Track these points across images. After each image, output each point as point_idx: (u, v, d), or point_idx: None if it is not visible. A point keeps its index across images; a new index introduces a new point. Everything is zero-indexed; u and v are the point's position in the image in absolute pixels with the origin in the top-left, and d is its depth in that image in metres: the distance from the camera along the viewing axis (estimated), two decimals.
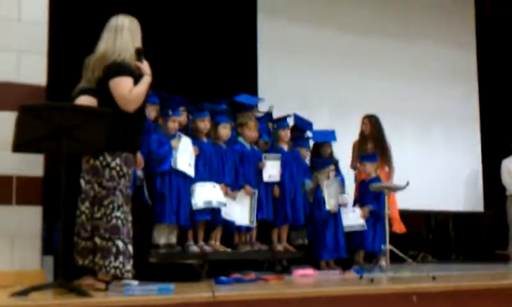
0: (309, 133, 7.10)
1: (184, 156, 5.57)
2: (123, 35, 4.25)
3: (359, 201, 7.27)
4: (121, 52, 4.22)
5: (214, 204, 5.66)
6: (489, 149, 9.97)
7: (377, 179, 7.16)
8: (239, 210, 6.04)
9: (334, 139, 7.19)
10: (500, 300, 4.78)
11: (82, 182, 4.23)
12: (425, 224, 10.03)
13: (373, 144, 7.61)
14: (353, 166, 7.66)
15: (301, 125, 6.99)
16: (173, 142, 5.51)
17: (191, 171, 5.59)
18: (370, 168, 7.26)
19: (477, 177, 9.90)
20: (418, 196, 8.63)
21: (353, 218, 6.95)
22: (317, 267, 6.44)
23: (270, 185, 6.35)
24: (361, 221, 6.92)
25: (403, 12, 9.68)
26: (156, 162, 5.43)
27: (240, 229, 6.13)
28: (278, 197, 6.38)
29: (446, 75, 9.86)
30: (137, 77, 4.23)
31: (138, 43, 4.32)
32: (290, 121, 6.93)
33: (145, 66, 4.29)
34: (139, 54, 4.27)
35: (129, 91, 4.15)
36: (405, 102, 9.45)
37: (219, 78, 8.07)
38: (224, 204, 5.77)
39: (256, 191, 6.19)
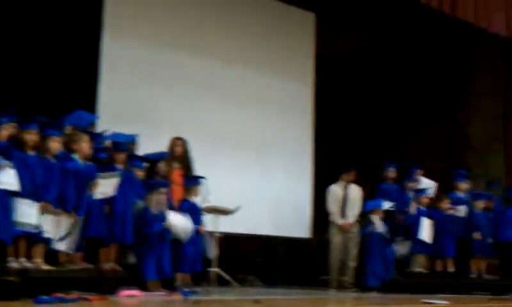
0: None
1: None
2: None
3: None
4: None
5: (23, 225, 5.49)
6: (321, 179, 10.48)
7: None
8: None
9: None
10: None
11: None
12: (254, 248, 10.30)
13: (181, 165, 7.65)
14: None
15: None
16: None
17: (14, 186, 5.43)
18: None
19: (305, 205, 10.38)
20: (250, 220, 8.98)
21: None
22: (145, 288, 6.47)
23: (102, 202, 6.30)
24: None
25: (250, 41, 9.94)
26: None
27: None
28: (107, 214, 6.34)
29: (285, 106, 10.28)
30: None
31: None
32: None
33: None
34: None
35: None
36: (245, 129, 9.71)
37: (57, 94, 7.87)
38: (36, 227, 5.56)
39: (81, 218, 6.05)
